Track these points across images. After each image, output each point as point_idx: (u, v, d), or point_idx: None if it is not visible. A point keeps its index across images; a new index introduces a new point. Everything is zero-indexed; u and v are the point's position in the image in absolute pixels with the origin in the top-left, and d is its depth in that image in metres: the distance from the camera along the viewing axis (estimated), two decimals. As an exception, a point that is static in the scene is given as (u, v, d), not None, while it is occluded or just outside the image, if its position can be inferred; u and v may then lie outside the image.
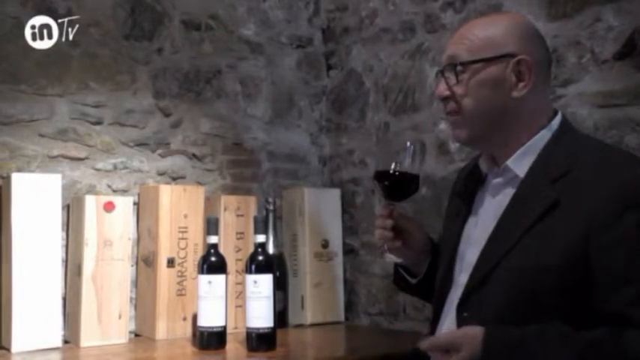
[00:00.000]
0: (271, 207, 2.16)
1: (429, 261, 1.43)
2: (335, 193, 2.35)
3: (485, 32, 1.24)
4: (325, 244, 2.26)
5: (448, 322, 1.28)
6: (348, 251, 2.34)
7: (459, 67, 1.23)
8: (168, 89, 2.19)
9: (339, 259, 2.30)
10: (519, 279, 1.14)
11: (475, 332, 1.13)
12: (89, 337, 1.82)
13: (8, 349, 1.73)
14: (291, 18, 2.50)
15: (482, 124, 1.24)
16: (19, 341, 1.72)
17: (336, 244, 2.29)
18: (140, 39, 2.15)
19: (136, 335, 2.00)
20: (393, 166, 1.34)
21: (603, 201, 1.09)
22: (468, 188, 1.37)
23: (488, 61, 1.22)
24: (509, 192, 1.24)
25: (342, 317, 2.28)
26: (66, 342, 1.86)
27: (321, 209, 2.27)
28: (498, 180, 1.28)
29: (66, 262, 1.92)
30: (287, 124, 2.46)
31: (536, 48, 1.25)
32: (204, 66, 2.27)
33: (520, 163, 1.23)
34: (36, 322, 1.74)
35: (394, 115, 2.24)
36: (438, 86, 1.29)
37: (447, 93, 1.26)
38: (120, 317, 1.87)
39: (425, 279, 1.44)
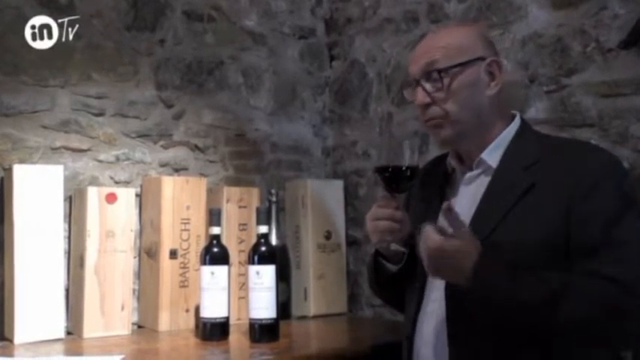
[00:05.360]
0: (274, 198, 2.15)
1: (408, 251, 1.45)
2: (338, 185, 2.35)
3: (455, 40, 1.36)
4: (328, 236, 2.25)
5: (431, 306, 1.35)
6: (352, 243, 2.34)
7: (442, 74, 1.32)
8: (170, 80, 2.18)
9: (342, 251, 2.29)
10: (505, 253, 1.21)
11: (476, 246, 1.20)
12: (92, 328, 1.82)
13: (11, 340, 1.73)
14: (293, 8, 2.48)
15: (466, 123, 1.34)
16: (22, 332, 1.72)
17: (340, 235, 2.29)
18: (142, 30, 2.14)
19: (139, 327, 2.00)
20: (393, 161, 1.39)
21: (578, 179, 1.21)
22: (435, 185, 1.46)
23: (465, 64, 1.32)
24: (483, 181, 1.35)
25: (345, 309, 2.28)
26: (69, 333, 1.86)
27: (324, 201, 2.27)
28: (473, 173, 1.38)
29: (68, 253, 1.92)
30: (290, 116, 2.45)
31: (496, 51, 1.40)
32: (206, 57, 2.26)
33: (492, 156, 1.34)
34: (39, 313, 1.75)
35: (397, 105, 2.23)
36: (416, 95, 1.36)
37: (429, 100, 1.34)
38: (123, 309, 1.87)
39: (403, 268, 1.45)
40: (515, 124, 1.38)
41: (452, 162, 1.44)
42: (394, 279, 1.48)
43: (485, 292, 1.18)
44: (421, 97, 1.35)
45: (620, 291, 1.14)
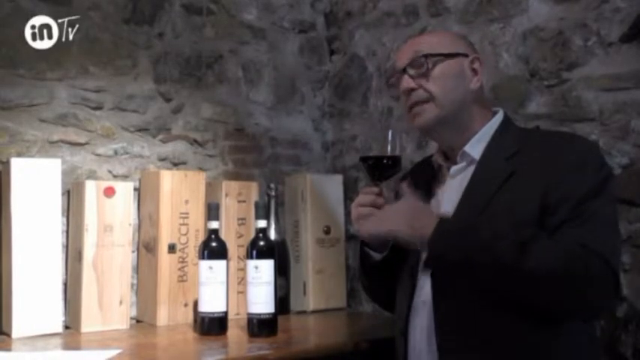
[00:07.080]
0: (273, 193, 2.14)
1: (392, 242, 1.46)
2: (337, 179, 2.34)
3: (439, 37, 1.47)
4: (327, 231, 2.24)
5: (424, 295, 1.35)
6: (351, 237, 2.33)
7: (428, 59, 1.38)
8: (169, 74, 2.17)
9: (341, 246, 2.28)
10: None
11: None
12: (90, 322, 1.82)
13: (9, 335, 1.73)
14: (293, 2, 2.47)
15: (448, 109, 1.39)
16: (19, 327, 1.72)
17: (339, 230, 2.28)
18: (141, 23, 2.12)
19: (137, 321, 2.00)
20: (376, 151, 1.48)
21: (555, 164, 1.27)
22: (423, 183, 1.49)
23: (448, 55, 1.39)
24: (468, 172, 1.40)
25: (344, 304, 2.27)
26: (67, 327, 1.86)
27: (323, 195, 2.26)
28: (457, 166, 1.43)
29: (66, 247, 1.91)
30: (289, 110, 2.44)
31: (479, 55, 1.46)
32: (205, 51, 2.25)
33: (475, 148, 1.40)
34: (36, 307, 1.74)
35: (397, 100, 2.22)
36: (401, 83, 1.42)
37: (414, 85, 1.40)
38: (121, 303, 1.86)
39: (388, 258, 1.47)
40: (497, 119, 1.43)
41: (437, 159, 1.49)
42: (379, 270, 1.49)
43: (451, 240, 1.23)
44: (406, 82, 1.40)
45: (586, 251, 1.18)
